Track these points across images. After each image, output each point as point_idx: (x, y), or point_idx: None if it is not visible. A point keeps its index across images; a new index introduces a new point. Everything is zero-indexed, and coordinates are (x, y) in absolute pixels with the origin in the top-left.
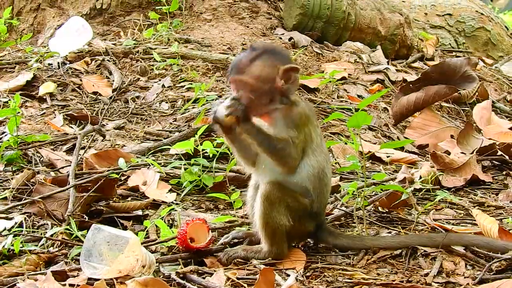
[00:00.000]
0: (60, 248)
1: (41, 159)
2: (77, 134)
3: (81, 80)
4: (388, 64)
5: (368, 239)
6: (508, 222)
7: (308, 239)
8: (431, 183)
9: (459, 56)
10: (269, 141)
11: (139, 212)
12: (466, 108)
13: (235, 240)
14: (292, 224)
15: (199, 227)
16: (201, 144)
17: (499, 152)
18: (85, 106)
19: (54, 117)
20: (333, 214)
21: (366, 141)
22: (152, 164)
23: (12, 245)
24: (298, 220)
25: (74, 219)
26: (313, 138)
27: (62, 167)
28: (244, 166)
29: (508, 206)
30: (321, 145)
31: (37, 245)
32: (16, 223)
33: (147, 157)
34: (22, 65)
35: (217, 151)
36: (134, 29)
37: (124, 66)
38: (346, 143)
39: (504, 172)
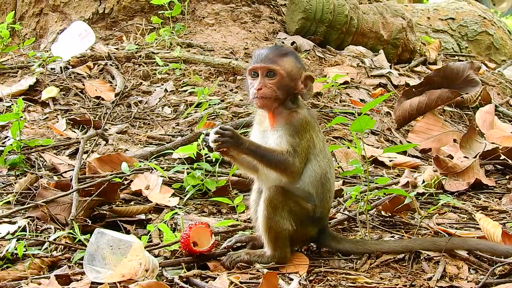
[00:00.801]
0: (63, 252)
1: (44, 164)
2: (80, 139)
3: (83, 85)
4: (390, 68)
5: (371, 244)
6: (511, 226)
7: (311, 244)
8: (434, 187)
9: (461, 60)
10: (268, 156)
11: (142, 216)
12: (469, 112)
13: (238, 244)
14: (295, 228)
15: (202, 231)
16: (203, 148)
17: (502, 156)
18: (87, 111)
19: (57, 122)
20: (336, 218)
21: (369, 145)
22: (155, 169)
23: (16, 249)
24: (301, 225)
25: (77, 223)
26: (316, 144)
27: (65, 171)
28: (247, 174)
29: (511, 210)
30: (323, 150)
31: (40, 249)
32: (19, 227)
33: (149, 162)
34: (24, 69)
35: (220, 156)
36: (137, 34)
37: (127, 71)
38: (349, 147)
39: (507, 176)
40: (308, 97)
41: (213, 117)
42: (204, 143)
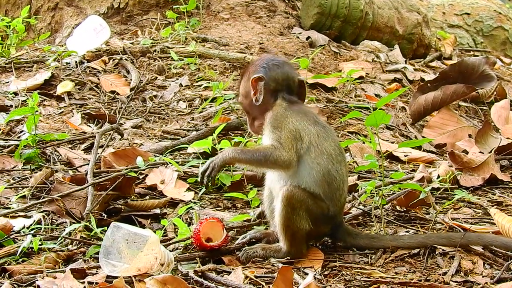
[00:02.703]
0: (78, 246)
1: (59, 158)
2: (95, 133)
3: (98, 79)
4: (405, 63)
5: (386, 238)
6: None
7: (326, 238)
8: (449, 182)
9: (477, 55)
10: (256, 155)
11: (157, 211)
12: (484, 107)
13: (253, 240)
14: (311, 227)
15: (215, 225)
16: (218, 143)
17: None
18: (102, 105)
19: (72, 116)
20: (351, 213)
21: (384, 140)
22: (170, 163)
23: (31, 243)
24: (316, 222)
25: (93, 217)
26: (303, 137)
27: (80, 166)
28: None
29: None
30: (319, 145)
31: (55, 243)
32: (35, 221)
33: (164, 156)
34: (40, 64)
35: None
36: (152, 28)
37: (142, 65)
38: (364, 142)
39: None
40: (261, 98)
41: (228, 111)
42: (202, 183)
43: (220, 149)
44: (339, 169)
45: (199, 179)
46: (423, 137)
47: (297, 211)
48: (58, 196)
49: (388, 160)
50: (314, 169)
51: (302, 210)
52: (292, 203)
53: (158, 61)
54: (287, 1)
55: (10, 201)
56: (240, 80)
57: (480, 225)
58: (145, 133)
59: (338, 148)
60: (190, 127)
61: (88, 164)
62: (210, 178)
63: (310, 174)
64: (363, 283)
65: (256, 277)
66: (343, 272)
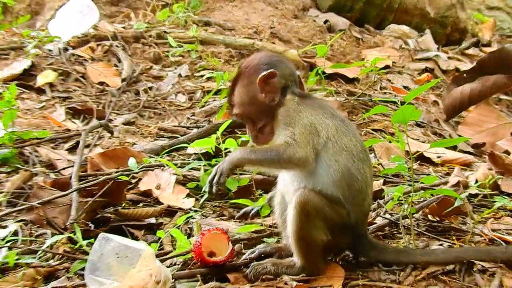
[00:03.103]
0: (61, 261)
1: (40, 159)
2: (81, 130)
3: (85, 69)
4: (438, 50)
5: (416, 253)
6: None
7: (347, 252)
8: (488, 188)
9: None
10: (268, 155)
11: (152, 220)
12: None
13: (263, 255)
14: (329, 238)
15: (218, 238)
16: (223, 142)
17: None
18: (90, 98)
19: (55, 111)
20: (375, 223)
21: (413, 139)
22: (167, 165)
23: (7, 258)
24: (335, 233)
25: (78, 228)
26: (319, 131)
27: (64, 168)
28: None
29: None
30: (338, 141)
31: (35, 258)
32: (11, 232)
33: (161, 157)
34: (18, 51)
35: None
36: (146, 10)
37: (135, 53)
38: (390, 142)
39: None
40: (276, 96)
41: None
42: (212, 193)
43: (225, 149)
44: (361, 169)
45: (207, 190)
46: (459, 135)
47: (313, 219)
48: (38, 203)
49: (419, 162)
50: (332, 167)
51: (318, 219)
52: (307, 210)
53: (154, 48)
54: None
55: None
56: (231, 89)
57: None
58: (138, 131)
59: (361, 146)
60: (191, 123)
61: (72, 166)
62: (219, 186)
63: (327, 173)
64: None
65: None
66: None
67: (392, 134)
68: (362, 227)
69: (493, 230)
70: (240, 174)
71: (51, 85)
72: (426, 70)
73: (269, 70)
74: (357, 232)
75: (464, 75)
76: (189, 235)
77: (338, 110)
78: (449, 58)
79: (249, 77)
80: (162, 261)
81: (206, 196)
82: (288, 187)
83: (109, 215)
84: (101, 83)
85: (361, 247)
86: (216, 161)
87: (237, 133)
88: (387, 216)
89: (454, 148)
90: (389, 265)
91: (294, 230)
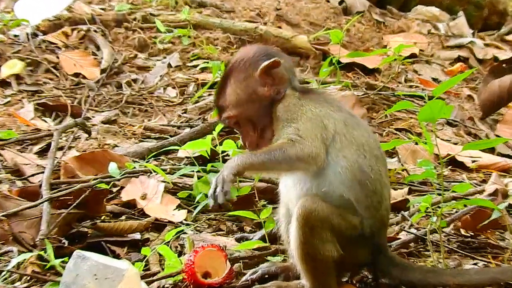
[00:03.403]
0: (30, 283)
1: (4, 164)
2: (53, 130)
3: (58, 58)
4: (473, 36)
5: (447, 273)
6: None
7: (365, 272)
8: None
9: None
10: (272, 155)
11: (137, 236)
12: None
13: (266, 277)
14: (340, 252)
15: (214, 255)
16: (220, 144)
17: None
18: (63, 93)
19: (22, 107)
20: (399, 238)
21: (444, 140)
22: (154, 171)
23: None
24: (348, 246)
25: (50, 244)
26: (327, 125)
27: (33, 175)
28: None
29: None
30: (346, 134)
31: None
32: None
33: (147, 161)
34: None
35: None
36: None
37: (116, 39)
38: (416, 143)
39: None
40: (284, 87)
41: None
42: (217, 207)
43: (222, 152)
44: (375, 166)
45: (210, 204)
46: (497, 136)
47: (319, 232)
48: (2, 216)
49: (450, 167)
50: (340, 163)
51: (325, 230)
52: (311, 222)
53: (139, 33)
54: None
55: None
56: (222, 88)
57: None
58: (120, 131)
59: (374, 141)
60: (182, 122)
61: (43, 172)
62: (225, 196)
63: (334, 172)
64: None
65: None
66: None
67: (419, 135)
68: (380, 238)
69: None
70: (240, 181)
71: (17, 77)
72: (459, 59)
73: (273, 59)
74: (375, 244)
75: (504, 65)
76: (180, 253)
77: (356, 106)
78: (486, 45)
79: (246, 71)
80: (148, 283)
81: (199, 207)
82: (291, 193)
83: (86, 229)
84: (77, 75)
85: (381, 265)
86: (212, 166)
87: (237, 133)
88: (413, 230)
89: (491, 150)
90: (415, 287)
91: (298, 246)
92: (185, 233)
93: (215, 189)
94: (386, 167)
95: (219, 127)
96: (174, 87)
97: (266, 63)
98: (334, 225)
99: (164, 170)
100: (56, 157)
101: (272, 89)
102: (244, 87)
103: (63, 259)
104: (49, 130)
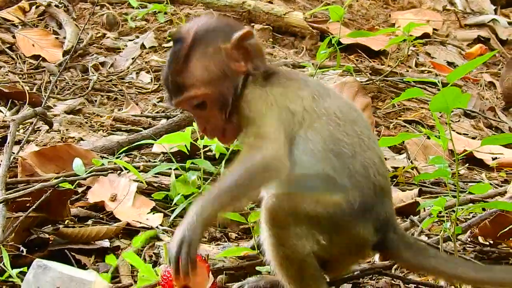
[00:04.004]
0: None
1: None
2: (9, 122)
3: (14, 37)
4: (496, 13)
5: (468, 266)
6: None
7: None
8: None
9: None
10: (233, 181)
11: (105, 243)
12: None
13: None
14: (325, 243)
15: None
16: (201, 137)
17: None
18: (20, 78)
19: None
20: None
21: (460, 134)
22: (126, 168)
23: None
24: (338, 232)
25: (5, 252)
26: (293, 110)
27: None
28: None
29: None
30: (315, 108)
31: None
32: None
33: (117, 157)
34: None
35: (227, 149)
36: None
37: (82, 15)
38: (429, 137)
39: None
40: (262, 61)
41: None
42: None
43: (204, 147)
44: (350, 130)
45: (170, 264)
46: None
47: (291, 228)
48: None
49: (467, 165)
50: (310, 139)
51: (299, 225)
52: (279, 221)
53: (108, 9)
54: None
55: None
56: (183, 63)
57: None
58: (86, 122)
59: (350, 107)
60: (157, 112)
61: None
62: (189, 260)
63: (305, 150)
64: None
65: None
66: None
67: (432, 128)
68: (382, 209)
69: None
70: None
71: None
72: (478, 40)
73: (245, 29)
74: (378, 218)
75: None
76: (156, 263)
77: (359, 94)
78: (511, 23)
79: (214, 43)
80: None
81: (177, 210)
82: (264, 192)
83: (47, 235)
84: (36, 57)
85: (390, 243)
86: (192, 163)
87: None
88: (423, 237)
89: None
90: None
91: (273, 250)
92: (161, 240)
93: (178, 252)
94: (369, 130)
95: None
96: (148, 72)
97: (239, 33)
98: (309, 213)
99: (136, 167)
100: (12, 153)
101: (248, 63)
102: (216, 61)
103: (21, 269)
104: (4, 122)
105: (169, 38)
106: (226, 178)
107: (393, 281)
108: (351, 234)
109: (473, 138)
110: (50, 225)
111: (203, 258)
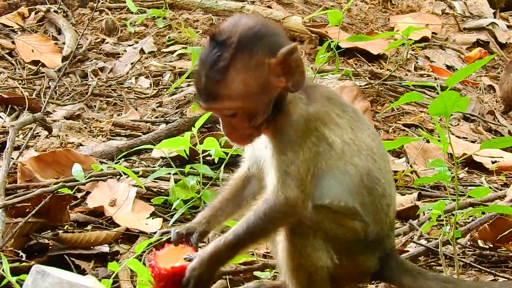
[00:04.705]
0: None
1: None
2: (8, 127)
3: (13, 43)
4: (495, 17)
5: (466, 285)
6: None
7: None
8: None
9: None
10: (250, 227)
11: (105, 248)
12: None
13: None
14: (337, 262)
15: (178, 254)
16: (200, 142)
17: None
18: (19, 83)
19: None
20: (407, 251)
21: (459, 137)
22: (125, 174)
23: None
24: (348, 255)
25: (5, 258)
26: (332, 142)
27: None
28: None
29: None
30: (355, 140)
31: None
32: None
33: (116, 163)
34: None
35: (226, 153)
36: None
37: (81, 21)
38: (428, 141)
39: None
40: (303, 80)
41: None
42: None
43: (203, 151)
44: (383, 167)
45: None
46: None
47: (310, 240)
48: None
49: (467, 168)
50: (349, 173)
51: (318, 238)
52: (300, 229)
53: (107, 14)
54: None
55: None
56: (223, 69)
57: None
58: (86, 127)
59: (377, 137)
60: (157, 117)
61: None
62: None
63: (341, 183)
64: None
65: None
66: None
67: (431, 131)
68: (388, 242)
69: None
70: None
71: None
72: (478, 43)
73: (292, 44)
74: (383, 250)
75: None
76: None
77: (358, 98)
78: (510, 27)
79: (258, 55)
80: None
81: (177, 214)
82: None
83: (47, 241)
84: (35, 63)
85: (390, 271)
86: (191, 168)
87: (219, 130)
88: (423, 242)
89: None
90: None
91: (288, 256)
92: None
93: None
94: (389, 163)
95: (200, 122)
96: (147, 77)
97: (286, 48)
98: (328, 231)
99: (136, 172)
100: (12, 158)
101: (289, 80)
102: (257, 75)
103: (20, 276)
104: (3, 127)
105: (168, 43)
106: (247, 221)
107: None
108: (359, 261)
109: (473, 141)
110: (49, 231)
111: (191, 243)
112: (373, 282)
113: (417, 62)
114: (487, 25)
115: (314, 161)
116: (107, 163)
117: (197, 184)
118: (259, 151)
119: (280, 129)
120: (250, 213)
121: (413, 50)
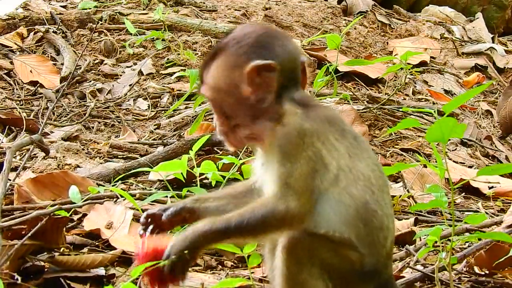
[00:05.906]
0: None
1: None
2: (5, 148)
3: (12, 63)
4: (493, 41)
5: None
6: None
7: None
8: None
9: None
10: (246, 222)
11: (101, 271)
12: None
13: None
14: None
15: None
16: (198, 165)
17: None
18: (17, 104)
19: None
20: (403, 277)
21: (456, 162)
22: (122, 196)
23: None
24: (344, 285)
25: (0, 280)
26: (327, 162)
27: None
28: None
29: None
30: (352, 169)
31: None
32: None
33: (113, 185)
34: None
35: (223, 177)
36: None
37: (80, 42)
38: (425, 166)
39: None
40: (269, 99)
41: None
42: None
43: (201, 174)
44: (382, 199)
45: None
46: None
47: (307, 267)
48: None
49: (463, 194)
50: (344, 203)
51: (315, 266)
52: (297, 255)
53: (106, 35)
54: None
55: None
56: (208, 61)
57: None
58: (83, 149)
59: (377, 167)
60: (154, 139)
61: None
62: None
63: (336, 212)
64: None
65: None
66: None
67: (428, 156)
68: (385, 272)
69: None
70: None
71: None
72: (476, 68)
73: (268, 61)
74: (378, 279)
75: None
76: None
77: (356, 122)
78: (508, 52)
79: (237, 58)
80: None
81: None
82: None
83: (43, 263)
84: (33, 83)
85: None
86: (188, 191)
87: (218, 153)
88: (419, 267)
89: (511, 176)
90: None
91: (283, 282)
92: None
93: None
94: (389, 194)
95: (197, 145)
96: (145, 99)
97: (259, 63)
98: (324, 260)
99: (133, 195)
100: (8, 179)
101: (256, 94)
102: (228, 76)
103: None
104: (0, 148)
105: (167, 65)
106: (236, 217)
107: None
108: None
109: (470, 167)
110: (45, 253)
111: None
112: None
113: (415, 86)
114: (485, 50)
115: (312, 176)
116: (104, 185)
117: None
118: (259, 169)
119: (275, 141)
120: (247, 210)
121: (411, 74)
